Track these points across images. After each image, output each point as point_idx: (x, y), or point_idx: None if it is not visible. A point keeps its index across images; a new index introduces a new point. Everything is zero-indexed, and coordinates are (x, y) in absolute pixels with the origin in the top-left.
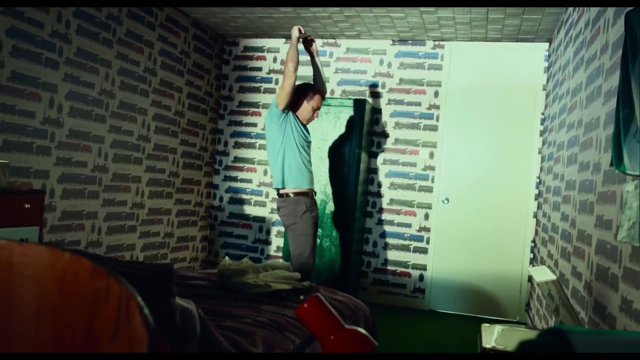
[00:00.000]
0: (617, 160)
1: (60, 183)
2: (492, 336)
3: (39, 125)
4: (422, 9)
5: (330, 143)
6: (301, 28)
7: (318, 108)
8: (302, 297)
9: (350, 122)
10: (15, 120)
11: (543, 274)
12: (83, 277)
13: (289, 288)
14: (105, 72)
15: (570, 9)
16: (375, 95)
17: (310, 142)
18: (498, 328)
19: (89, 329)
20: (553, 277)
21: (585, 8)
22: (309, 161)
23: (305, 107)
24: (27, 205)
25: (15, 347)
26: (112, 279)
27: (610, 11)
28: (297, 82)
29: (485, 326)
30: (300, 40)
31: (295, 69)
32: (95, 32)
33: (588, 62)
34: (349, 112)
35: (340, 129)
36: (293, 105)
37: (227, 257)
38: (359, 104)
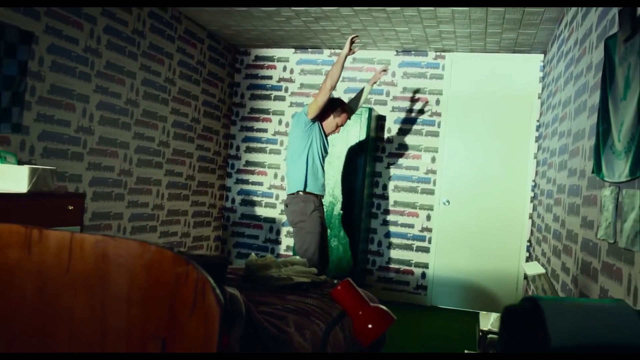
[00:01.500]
0: (597, 168)
1: (91, 186)
2: (489, 321)
3: (73, 134)
4: (424, 22)
5: (338, 148)
6: (355, 40)
7: (342, 125)
8: (335, 282)
9: (357, 129)
10: (53, 129)
11: (534, 269)
12: (166, 264)
13: (308, 281)
14: (130, 82)
15: (562, 25)
16: (380, 103)
17: (328, 152)
18: (494, 315)
19: (171, 306)
20: (542, 270)
21: (575, 27)
22: (324, 170)
23: (331, 121)
24: (70, 207)
25: (110, 322)
26: (190, 265)
27: (594, 35)
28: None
29: (482, 314)
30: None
31: (333, 87)
32: (122, 46)
33: (576, 78)
34: (356, 119)
35: (348, 135)
36: (320, 115)
37: (253, 254)
38: (365, 112)
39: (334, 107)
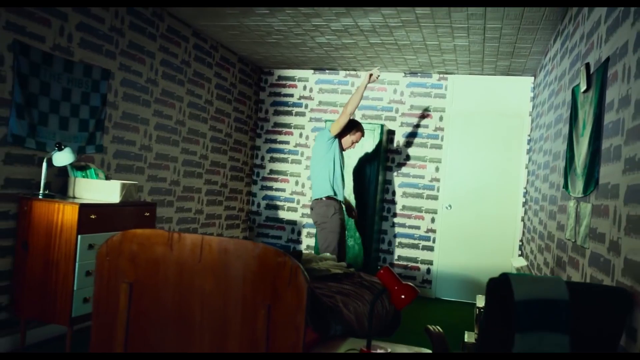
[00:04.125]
0: (565, 184)
1: (150, 195)
2: (484, 301)
3: (137, 151)
4: (430, 52)
5: (354, 159)
6: (375, 75)
7: (357, 142)
8: (379, 267)
9: (371, 142)
10: (123, 148)
11: (519, 262)
12: (270, 255)
13: (341, 272)
14: (179, 106)
15: (547, 58)
16: (390, 119)
17: (345, 165)
18: None
19: (274, 283)
20: (525, 263)
21: (555, 64)
22: (344, 179)
23: (348, 139)
24: (147, 214)
25: (231, 295)
26: (287, 256)
27: (567, 77)
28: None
29: (479, 296)
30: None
31: (352, 112)
32: (173, 75)
33: (555, 107)
34: (369, 133)
35: (363, 148)
36: (340, 133)
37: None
38: (377, 127)
39: (350, 128)
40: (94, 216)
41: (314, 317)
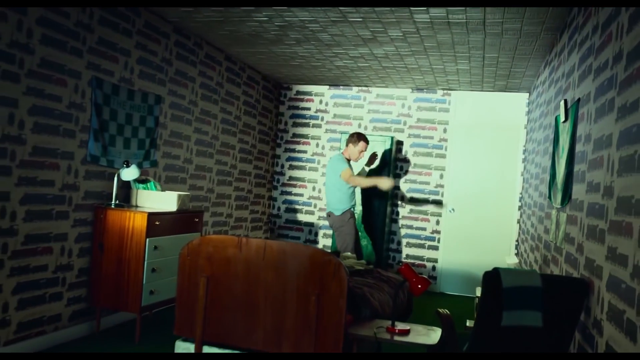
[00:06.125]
0: (549, 196)
1: (190, 202)
2: None
3: (181, 164)
4: (435, 74)
5: (367, 168)
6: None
7: (364, 151)
8: (400, 263)
9: (381, 152)
10: (171, 162)
11: (511, 259)
12: (319, 255)
13: (362, 269)
14: (214, 122)
15: (539, 81)
16: (399, 130)
17: None
18: None
19: (321, 276)
20: (516, 260)
21: (545, 89)
22: (354, 192)
23: (354, 152)
24: (196, 220)
25: (288, 286)
26: (332, 256)
27: (553, 104)
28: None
29: (478, 288)
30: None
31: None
32: (209, 95)
33: (544, 128)
34: (380, 145)
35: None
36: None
37: None
38: (388, 139)
39: (354, 141)
40: (158, 222)
41: (349, 304)
